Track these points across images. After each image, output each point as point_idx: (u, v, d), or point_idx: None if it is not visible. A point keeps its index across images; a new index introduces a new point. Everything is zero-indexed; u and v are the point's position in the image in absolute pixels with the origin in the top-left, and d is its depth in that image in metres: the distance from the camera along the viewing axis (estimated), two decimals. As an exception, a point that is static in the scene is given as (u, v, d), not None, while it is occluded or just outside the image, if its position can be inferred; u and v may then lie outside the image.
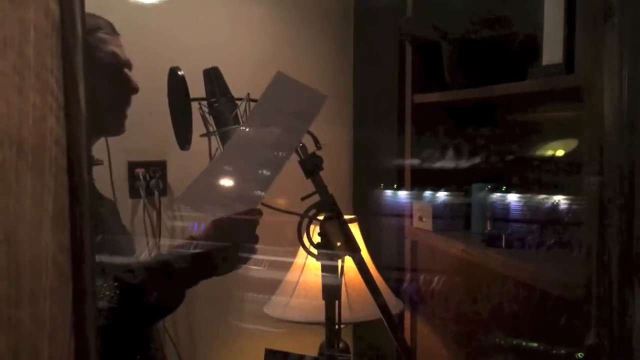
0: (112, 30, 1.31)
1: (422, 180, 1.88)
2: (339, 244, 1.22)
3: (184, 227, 2.07)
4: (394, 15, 1.96)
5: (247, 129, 1.15)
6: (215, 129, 1.21)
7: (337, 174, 2.35)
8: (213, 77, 1.20)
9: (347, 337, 2.30)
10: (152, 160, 2.10)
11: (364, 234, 2.02)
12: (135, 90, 1.32)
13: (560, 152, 1.55)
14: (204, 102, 1.20)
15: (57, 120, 0.45)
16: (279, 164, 1.19)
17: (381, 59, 2.04)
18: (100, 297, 1.07)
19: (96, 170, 1.42)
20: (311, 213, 1.21)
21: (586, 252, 1.04)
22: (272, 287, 1.95)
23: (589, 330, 0.88)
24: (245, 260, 1.24)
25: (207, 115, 1.22)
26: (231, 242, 1.19)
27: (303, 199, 1.21)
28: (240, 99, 1.21)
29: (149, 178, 2.10)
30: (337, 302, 1.27)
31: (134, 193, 2.10)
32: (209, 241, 1.18)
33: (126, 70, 1.32)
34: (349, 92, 2.34)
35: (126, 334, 1.12)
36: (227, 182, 1.17)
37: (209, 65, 1.22)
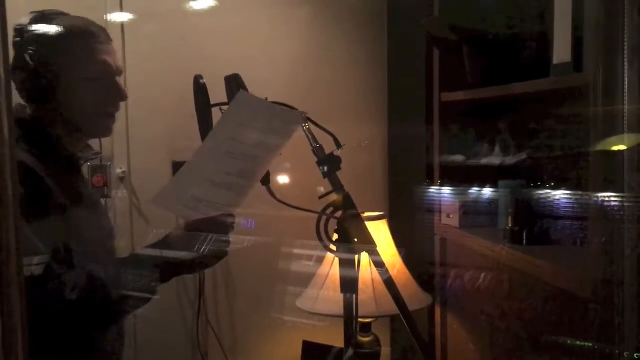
0: (106, 38, 1.32)
1: (454, 177, 1.90)
2: (356, 240, 1.28)
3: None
4: (425, 15, 1.98)
5: (212, 140, 1.19)
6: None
7: (372, 171, 2.40)
8: (233, 83, 1.28)
9: (384, 329, 2.34)
10: (195, 160, 2.20)
11: (398, 231, 2.05)
12: (124, 97, 1.34)
13: (596, 148, 1.53)
14: (224, 107, 1.28)
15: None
16: (253, 176, 1.25)
17: (413, 58, 2.07)
18: (68, 289, 1.11)
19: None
20: (329, 211, 1.28)
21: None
22: (309, 280, 2.01)
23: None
24: (216, 262, 1.29)
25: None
26: (200, 243, 1.24)
27: (321, 197, 1.28)
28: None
29: (191, 177, 2.20)
30: (354, 296, 1.33)
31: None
32: (180, 240, 1.24)
33: (117, 77, 1.34)
34: (384, 91, 2.38)
35: (89, 328, 1.17)
36: (197, 187, 1.23)
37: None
